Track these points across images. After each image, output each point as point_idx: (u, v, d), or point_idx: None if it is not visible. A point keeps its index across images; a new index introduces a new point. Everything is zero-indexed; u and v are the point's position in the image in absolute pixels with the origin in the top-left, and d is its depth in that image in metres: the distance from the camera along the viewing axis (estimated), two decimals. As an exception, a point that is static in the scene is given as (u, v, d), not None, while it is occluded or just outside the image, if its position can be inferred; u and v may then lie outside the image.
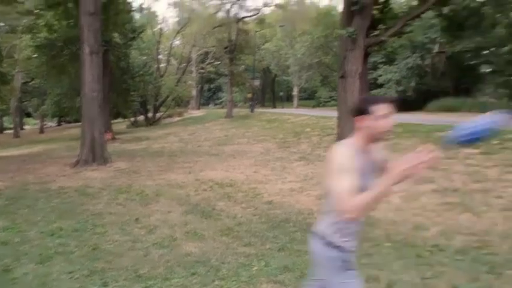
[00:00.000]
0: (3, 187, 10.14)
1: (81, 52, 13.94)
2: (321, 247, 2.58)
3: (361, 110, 2.46)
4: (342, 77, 8.48)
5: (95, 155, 13.58)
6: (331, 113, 23.55)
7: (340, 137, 8.53)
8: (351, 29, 8.06)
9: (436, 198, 7.83)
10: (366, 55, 8.47)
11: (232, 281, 4.49)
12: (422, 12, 8.61)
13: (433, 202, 7.62)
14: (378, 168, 2.55)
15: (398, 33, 8.62)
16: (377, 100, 2.45)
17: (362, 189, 2.28)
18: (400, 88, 32.17)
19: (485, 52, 28.26)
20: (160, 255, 5.24)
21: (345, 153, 2.40)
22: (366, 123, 2.44)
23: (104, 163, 13.53)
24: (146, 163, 13.85)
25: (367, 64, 8.76)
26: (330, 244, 2.54)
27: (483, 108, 25.62)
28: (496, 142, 10.45)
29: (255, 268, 4.84)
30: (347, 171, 2.32)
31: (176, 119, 41.33)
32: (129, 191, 9.56)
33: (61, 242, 5.86)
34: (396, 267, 4.83)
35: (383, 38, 8.31)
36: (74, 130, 37.75)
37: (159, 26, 46.31)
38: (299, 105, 52.15)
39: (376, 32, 8.69)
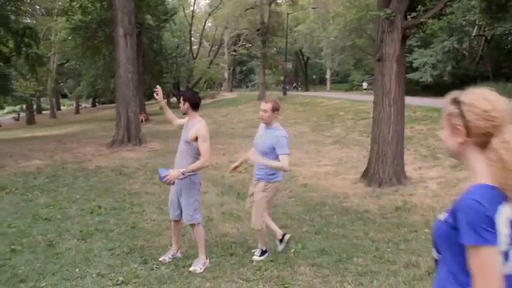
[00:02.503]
0: (43, 166, 10.43)
1: (115, 34, 14.05)
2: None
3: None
4: (379, 60, 8.25)
5: (130, 136, 13.79)
6: (365, 97, 23.21)
7: (376, 121, 8.37)
8: (388, 10, 7.81)
9: (476, 185, 7.61)
10: (404, 38, 8.21)
11: (270, 262, 4.50)
12: (464, -7, 8.25)
13: (473, 189, 7.40)
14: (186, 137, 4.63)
15: (439, 15, 8.31)
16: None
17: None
18: (436, 72, 31.24)
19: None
20: (197, 235, 5.28)
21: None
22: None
23: (138, 143, 13.74)
24: (180, 144, 13.98)
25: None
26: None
27: (524, 94, 24.70)
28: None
29: (292, 250, 4.84)
30: None
31: (209, 101, 41.47)
32: (165, 171, 9.67)
33: (100, 219, 6.01)
34: (436, 253, 4.73)
35: (422, 20, 8.03)
36: (109, 111, 38.46)
37: (191, 8, 46.21)
38: (331, 89, 51.51)
39: (414, 14, 8.41)
